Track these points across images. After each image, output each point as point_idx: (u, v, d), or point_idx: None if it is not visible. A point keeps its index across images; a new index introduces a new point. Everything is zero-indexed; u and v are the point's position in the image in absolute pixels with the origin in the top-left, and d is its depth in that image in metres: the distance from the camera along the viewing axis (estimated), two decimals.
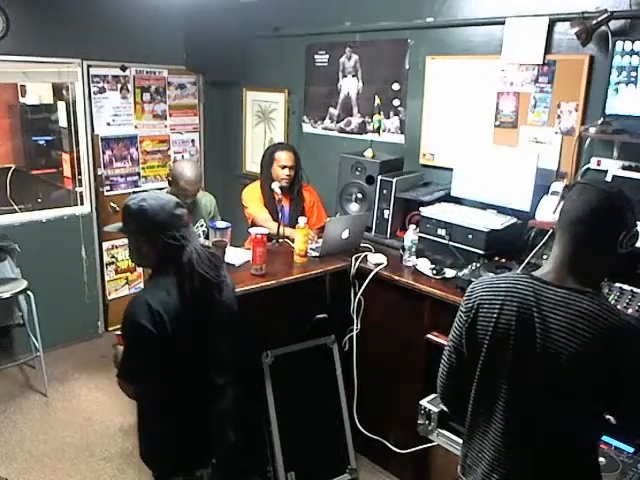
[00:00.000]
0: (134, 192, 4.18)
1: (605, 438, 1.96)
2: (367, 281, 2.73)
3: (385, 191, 3.03)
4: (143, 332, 1.64)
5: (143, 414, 1.88)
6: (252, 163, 4.42)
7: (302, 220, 2.73)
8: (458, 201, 2.91)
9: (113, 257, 4.38)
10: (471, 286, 1.47)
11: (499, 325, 1.35)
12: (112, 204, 4.27)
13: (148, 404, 1.85)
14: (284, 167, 3.28)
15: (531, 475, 1.38)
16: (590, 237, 1.32)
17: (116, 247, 4.36)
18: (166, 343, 1.68)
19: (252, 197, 3.36)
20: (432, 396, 2.49)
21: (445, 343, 2.38)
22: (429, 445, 2.55)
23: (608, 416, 1.38)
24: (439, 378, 1.57)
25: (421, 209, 2.83)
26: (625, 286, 2.20)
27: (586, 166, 2.59)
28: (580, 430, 1.35)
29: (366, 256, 2.83)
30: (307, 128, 3.99)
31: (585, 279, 1.33)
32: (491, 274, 2.43)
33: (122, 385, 1.79)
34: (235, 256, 2.69)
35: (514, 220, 2.69)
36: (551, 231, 2.52)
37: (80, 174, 4.20)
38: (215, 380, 1.89)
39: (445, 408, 1.67)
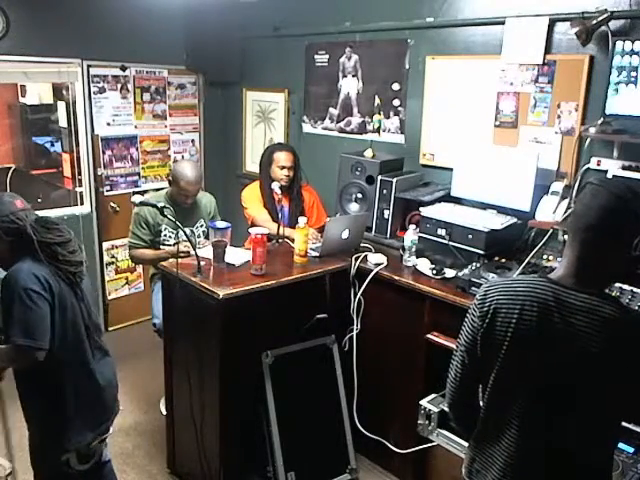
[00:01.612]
0: (134, 192, 4.19)
1: None
2: (367, 281, 2.72)
3: (385, 191, 3.03)
4: (34, 295, 1.81)
5: (34, 394, 2.00)
6: (252, 163, 4.42)
7: (302, 220, 2.73)
8: (458, 201, 2.91)
9: (113, 257, 4.38)
10: (483, 289, 1.43)
11: (519, 330, 1.32)
12: (112, 204, 4.28)
13: (42, 376, 1.95)
14: (283, 168, 3.27)
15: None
16: (604, 242, 1.30)
17: (116, 247, 4.36)
18: (54, 309, 1.86)
19: (251, 198, 3.36)
20: (432, 396, 2.49)
21: (445, 343, 2.43)
22: (429, 445, 2.55)
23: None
24: (450, 383, 1.52)
25: (421, 209, 2.83)
26: (625, 286, 2.21)
27: (586, 166, 2.59)
28: (600, 436, 1.34)
29: (366, 256, 2.83)
30: (307, 128, 3.99)
31: (599, 282, 1.32)
32: (492, 274, 2.43)
33: (16, 352, 1.84)
34: (235, 256, 2.69)
35: (514, 220, 2.69)
36: (551, 231, 2.53)
37: (80, 174, 4.21)
38: (101, 344, 2.10)
39: (451, 416, 1.62)
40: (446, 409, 2.37)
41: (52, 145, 4.98)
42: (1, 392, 2.41)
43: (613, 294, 2.18)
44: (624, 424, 1.48)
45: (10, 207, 1.93)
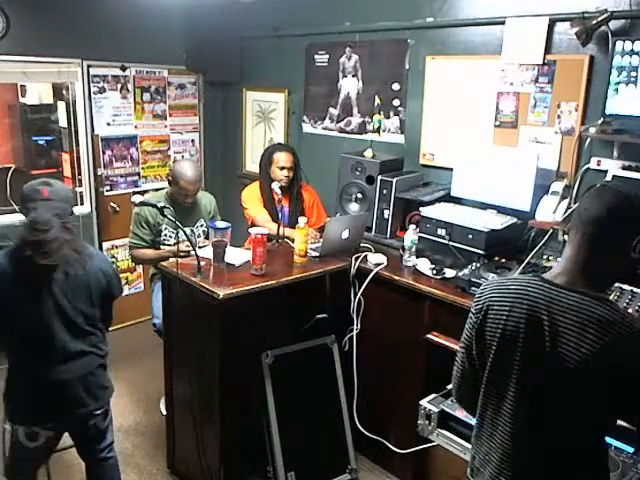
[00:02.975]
0: (134, 192, 4.19)
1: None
2: (367, 281, 2.73)
3: (385, 191, 3.03)
4: None
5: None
6: (252, 163, 4.42)
7: (302, 220, 2.73)
8: (458, 201, 2.91)
9: (113, 257, 4.38)
10: (481, 287, 1.47)
11: (507, 327, 1.34)
12: (112, 204, 4.28)
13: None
14: (283, 168, 3.27)
15: (539, 476, 1.38)
16: (605, 237, 1.30)
17: (116, 247, 4.36)
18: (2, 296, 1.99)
19: (251, 198, 3.36)
20: (432, 396, 2.49)
21: (445, 343, 2.43)
22: (429, 445, 2.55)
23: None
24: (453, 380, 1.56)
25: (421, 209, 2.83)
26: (625, 286, 2.20)
27: (586, 166, 2.59)
28: (588, 432, 1.34)
29: (366, 256, 2.83)
30: (307, 128, 3.99)
31: (595, 282, 1.32)
32: (492, 274, 2.43)
33: None
34: (235, 256, 2.69)
35: (514, 220, 2.69)
36: (551, 231, 2.53)
37: (80, 174, 4.21)
38: (67, 345, 2.09)
39: (462, 408, 1.66)
40: (446, 409, 2.38)
41: (52, 145, 4.98)
42: None
43: (613, 294, 2.18)
44: (624, 424, 1.48)
45: (34, 195, 2.05)
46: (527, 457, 1.37)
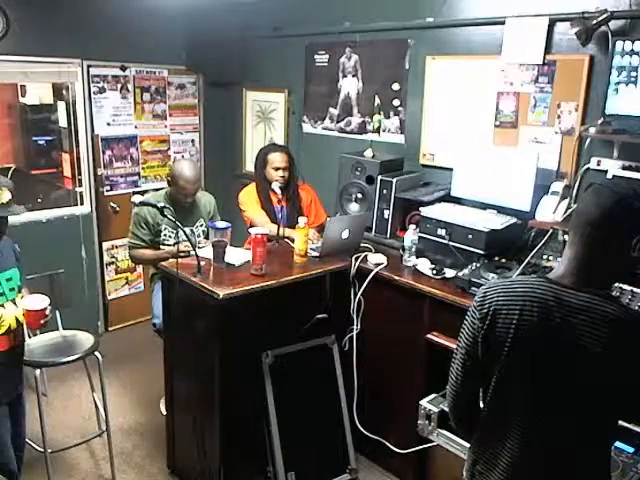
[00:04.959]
0: (134, 192, 4.19)
1: None
2: (367, 281, 2.73)
3: (385, 191, 3.03)
4: None
5: None
6: (252, 163, 4.39)
7: (302, 220, 2.73)
8: (458, 201, 2.91)
9: (113, 257, 4.38)
10: (482, 291, 1.43)
11: (520, 330, 1.32)
12: (112, 204, 4.28)
13: None
14: (278, 169, 3.26)
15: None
16: (603, 240, 1.29)
17: (116, 247, 4.36)
18: None
19: (249, 200, 3.35)
20: (432, 396, 2.49)
21: (445, 343, 2.43)
22: (429, 445, 2.55)
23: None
24: (451, 385, 1.50)
25: (421, 209, 2.83)
26: (625, 286, 2.20)
27: (586, 166, 2.59)
28: (600, 435, 1.34)
29: (366, 256, 2.83)
30: (307, 128, 3.99)
31: (597, 282, 1.32)
32: (492, 274, 2.43)
33: None
34: (235, 256, 2.69)
35: (514, 220, 2.69)
36: (551, 231, 2.53)
37: (80, 174, 4.21)
38: None
39: (452, 418, 1.59)
40: (446, 409, 2.37)
41: (52, 145, 4.98)
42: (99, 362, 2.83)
43: (613, 294, 2.18)
44: (624, 424, 1.48)
45: None
46: (537, 460, 1.35)
